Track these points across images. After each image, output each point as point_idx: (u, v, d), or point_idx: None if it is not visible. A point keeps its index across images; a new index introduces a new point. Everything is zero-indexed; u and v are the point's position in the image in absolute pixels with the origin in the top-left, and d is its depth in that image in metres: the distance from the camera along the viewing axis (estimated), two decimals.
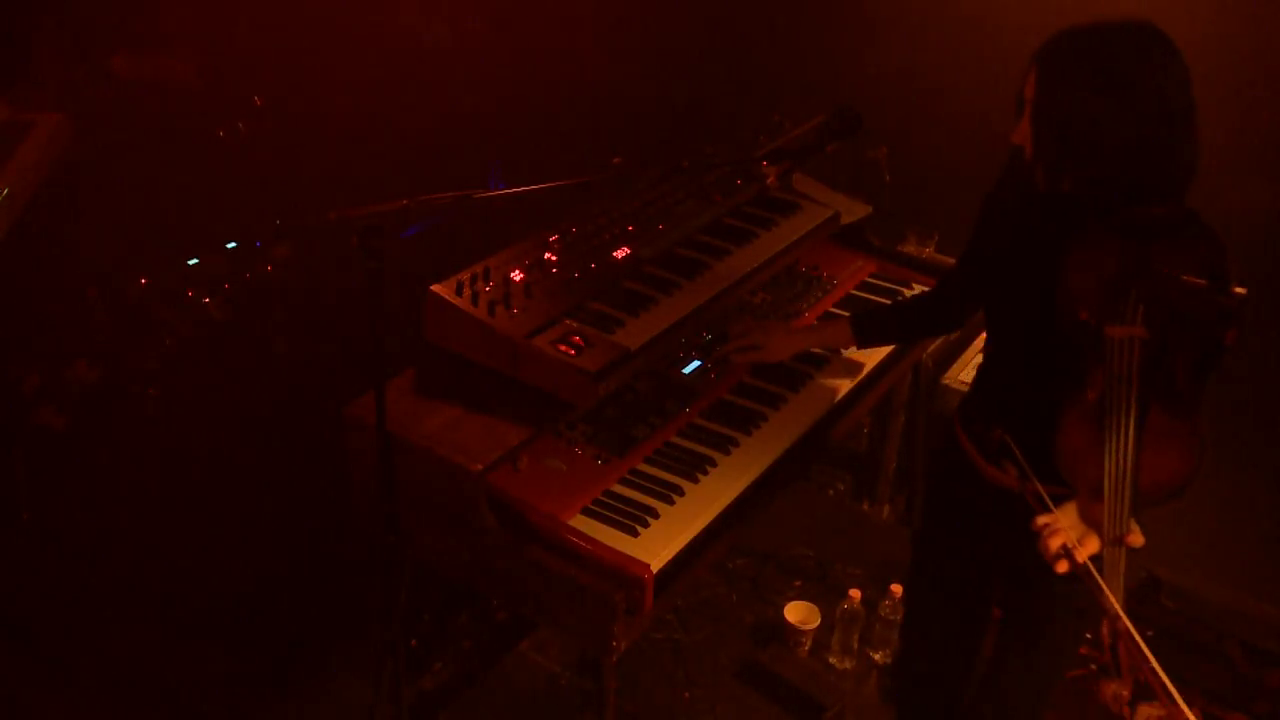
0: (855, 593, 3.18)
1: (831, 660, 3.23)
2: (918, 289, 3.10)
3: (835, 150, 3.13)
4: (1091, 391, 1.87)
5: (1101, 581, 1.84)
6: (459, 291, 2.38)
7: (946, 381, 3.43)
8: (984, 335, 2.29)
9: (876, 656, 3.24)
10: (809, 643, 3.26)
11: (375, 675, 2.55)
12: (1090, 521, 1.91)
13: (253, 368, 3.98)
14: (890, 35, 3.82)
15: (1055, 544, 1.90)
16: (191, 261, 3.97)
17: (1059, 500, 1.97)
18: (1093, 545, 1.90)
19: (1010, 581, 2.32)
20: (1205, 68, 1.93)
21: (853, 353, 2.80)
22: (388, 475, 2.17)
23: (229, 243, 3.96)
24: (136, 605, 3.21)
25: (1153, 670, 1.75)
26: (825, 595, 3.39)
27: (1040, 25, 1.93)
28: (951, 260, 3.61)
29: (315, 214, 1.99)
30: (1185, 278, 1.82)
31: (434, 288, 2.39)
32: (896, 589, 3.22)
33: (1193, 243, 1.85)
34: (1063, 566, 1.90)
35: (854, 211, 3.22)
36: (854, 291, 3.07)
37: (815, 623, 3.24)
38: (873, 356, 2.82)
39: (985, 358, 2.25)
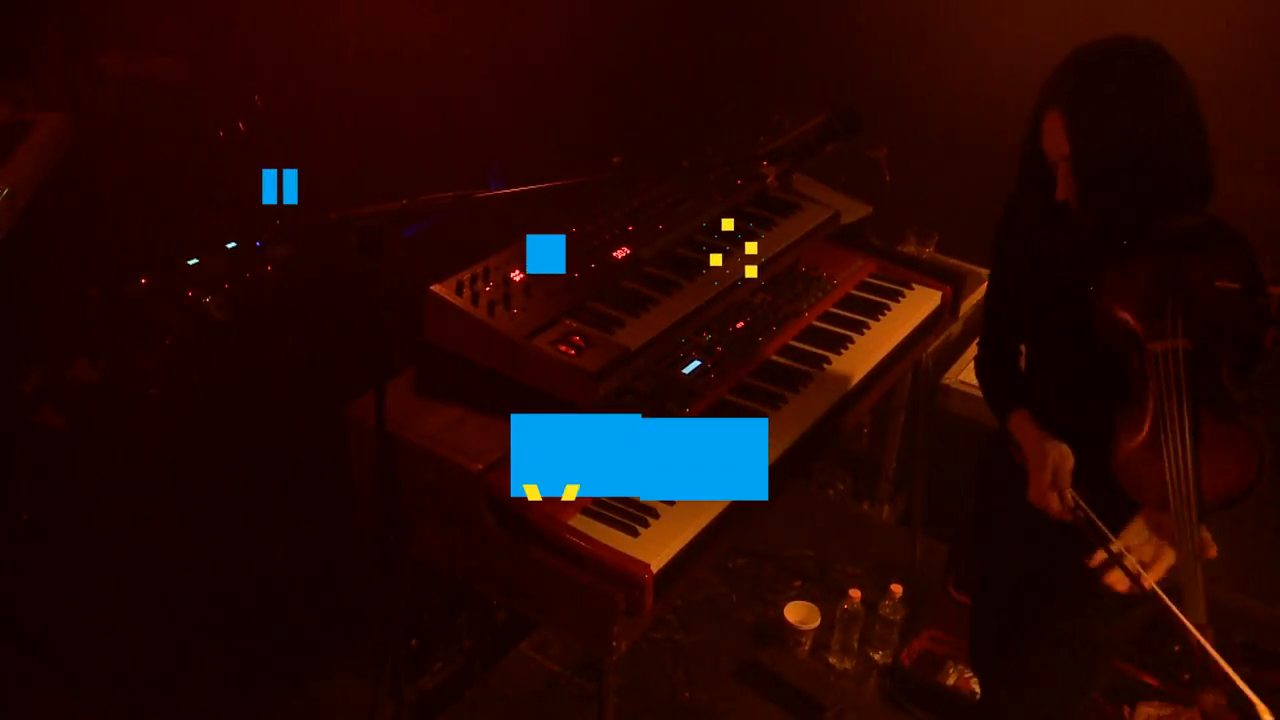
0: (855, 593, 3.18)
1: (831, 660, 3.23)
2: (918, 289, 3.10)
3: (835, 150, 3.14)
4: (1141, 407, 1.87)
5: (1170, 604, 1.83)
6: (459, 291, 2.38)
7: (946, 381, 3.44)
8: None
9: (876, 656, 3.25)
10: (809, 643, 3.26)
11: (375, 675, 2.55)
12: (1161, 534, 1.91)
13: (252, 368, 3.98)
14: (890, 35, 3.82)
15: (1119, 581, 1.91)
16: (191, 261, 3.97)
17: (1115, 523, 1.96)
18: (1162, 564, 1.91)
19: (1058, 576, 2.25)
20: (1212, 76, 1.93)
21: (854, 353, 2.81)
22: (388, 475, 2.17)
23: (229, 243, 3.96)
24: (136, 605, 3.21)
25: (1233, 681, 1.74)
26: (825, 595, 3.39)
27: (1040, 25, 1.92)
28: (951, 260, 3.62)
29: (315, 214, 1.99)
30: (1219, 284, 1.83)
31: (434, 288, 2.39)
32: (896, 589, 3.22)
33: (1220, 249, 1.86)
34: (1122, 586, 1.91)
35: (854, 211, 3.22)
36: (854, 291, 3.07)
37: (815, 623, 3.24)
38: (872, 357, 2.82)
39: (1026, 377, 2.23)
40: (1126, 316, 1.88)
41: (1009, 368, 2.27)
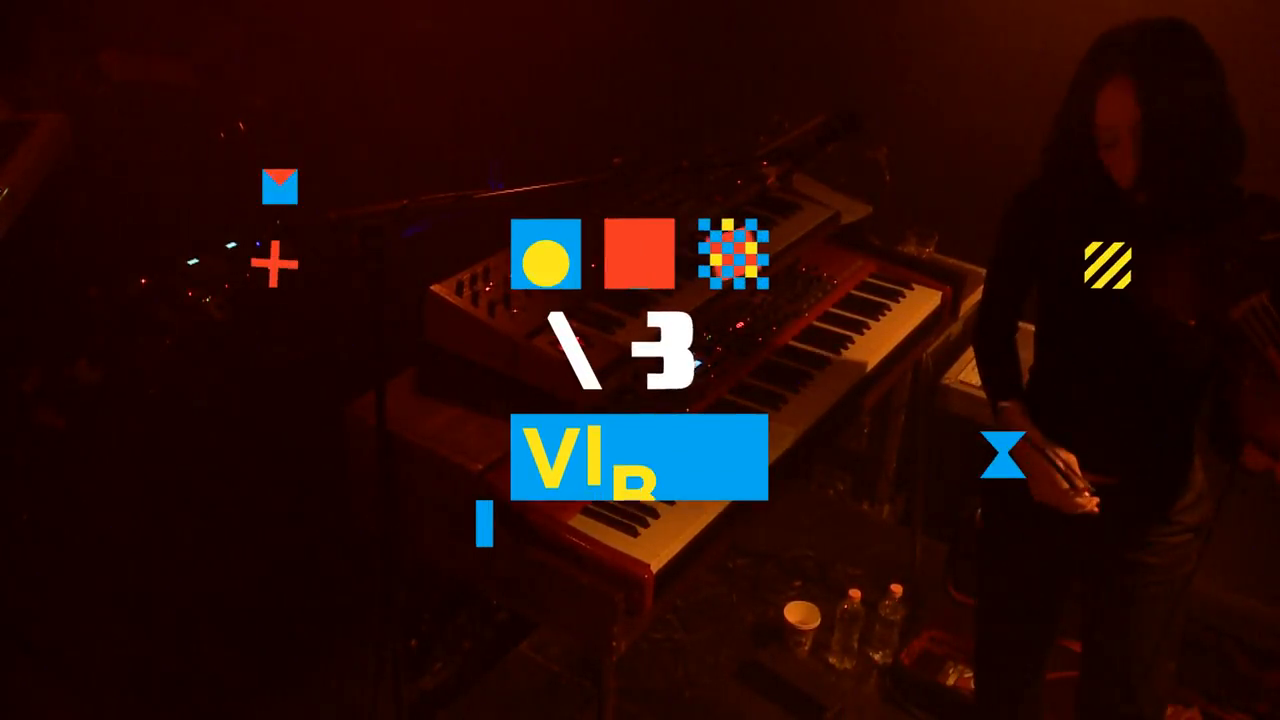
0: (855, 593, 3.19)
1: (831, 660, 3.23)
2: (918, 289, 3.10)
3: (835, 150, 3.14)
4: (1244, 373, 1.90)
5: None
6: (459, 291, 2.38)
7: (946, 381, 3.44)
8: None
9: (876, 656, 3.25)
10: (809, 643, 3.26)
11: (375, 675, 2.55)
12: None
13: (253, 368, 3.98)
14: (891, 35, 3.82)
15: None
16: (191, 261, 3.96)
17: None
18: None
19: (1092, 567, 2.28)
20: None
21: (854, 353, 2.81)
22: (388, 475, 2.17)
23: (229, 243, 3.95)
24: (136, 605, 3.21)
25: None
26: (825, 595, 3.39)
27: (1041, 25, 1.93)
28: (951, 260, 3.61)
29: (315, 214, 1.99)
30: (1265, 238, 1.90)
31: (434, 288, 2.39)
32: (896, 589, 3.22)
33: (1255, 209, 1.95)
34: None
35: (854, 211, 3.22)
36: (854, 291, 3.07)
37: (815, 623, 3.24)
38: (874, 356, 2.82)
39: (1040, 375, 2.24)
40: (1195, 297, 1.91)
41: (1006, 343, 2.29)
